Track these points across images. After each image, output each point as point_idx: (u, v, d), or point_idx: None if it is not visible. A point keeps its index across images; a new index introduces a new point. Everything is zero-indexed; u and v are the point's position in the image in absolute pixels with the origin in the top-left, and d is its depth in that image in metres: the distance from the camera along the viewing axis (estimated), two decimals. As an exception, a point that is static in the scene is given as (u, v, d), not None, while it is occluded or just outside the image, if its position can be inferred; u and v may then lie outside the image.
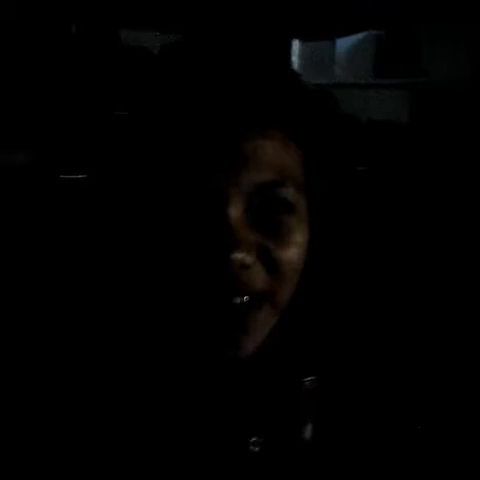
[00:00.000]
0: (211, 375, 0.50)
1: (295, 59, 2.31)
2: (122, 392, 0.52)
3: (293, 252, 0.47)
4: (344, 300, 0.58)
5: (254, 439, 0.52)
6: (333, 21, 2.23)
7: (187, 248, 0.46)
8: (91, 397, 0.52)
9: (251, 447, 0.52)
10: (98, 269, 0.57)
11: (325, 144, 0.52)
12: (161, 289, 0.51)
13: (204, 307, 0.46)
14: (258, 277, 0.45)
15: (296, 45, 2.34)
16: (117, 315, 0.54)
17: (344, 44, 2.33)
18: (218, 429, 0.51)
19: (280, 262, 0.46)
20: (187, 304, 0.47)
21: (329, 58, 2.35)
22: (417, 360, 0.60)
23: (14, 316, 0.66)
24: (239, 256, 0.43)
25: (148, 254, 0.53)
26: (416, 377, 0.59)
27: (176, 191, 0.45)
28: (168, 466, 0.51)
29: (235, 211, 0.45)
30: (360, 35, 2.25)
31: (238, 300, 0.44)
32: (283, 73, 0.50)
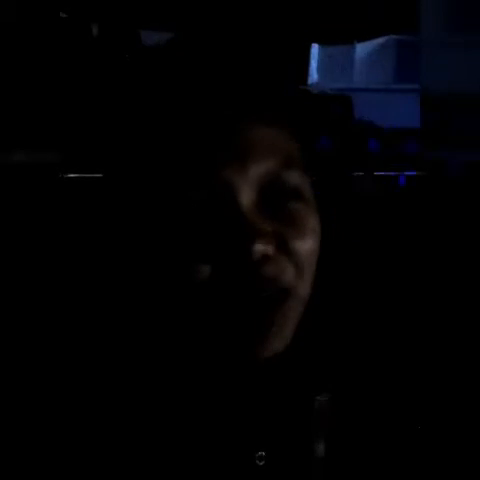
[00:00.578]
0: (226, 381, 0.50)
1: (314, 63, 2.30)
2: (129, 397, 0.52)
3: (310, 240, 0.46)
4: (356, 305, 0.57)
5: (260, 453, 0.51)
6: (353, 25, 2.23)
7: (204, 246, 0.45)
8: (96, 400, 0.52)
9: (257, 461, 0.51)
10: (111, 271, 0.56)
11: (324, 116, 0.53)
12: (182, 292, 0.50)
13: (230, 306, 0.45)
14: (282, 269, 0.44)
15: (315, 49, 2.33)
16: (132, 316, 0.54)
17: (364, 49, 2.32)
18: (224, 440, 0.50)
19: (299, 252, 0.45)
20: (211, 304, 0.46)
21: (348, 62, 2.34)
22: (436, 380, 0.59)
23: (12, 317, 0.66)
24: (260, 246, 0.42)
25: (165, 256, 0.52)
26: (434, 398, 0.58)
27: (184, 189, 0.45)
28: (172, 476, 0.51)
29: (247, 200, 0.44)
30: (380, 40, 2.24)
31: (265, 294, 0.43)
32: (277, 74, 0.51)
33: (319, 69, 2.30)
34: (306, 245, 0.47)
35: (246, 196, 0.45)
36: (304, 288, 0.47)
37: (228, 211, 0.45)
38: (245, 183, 0.45)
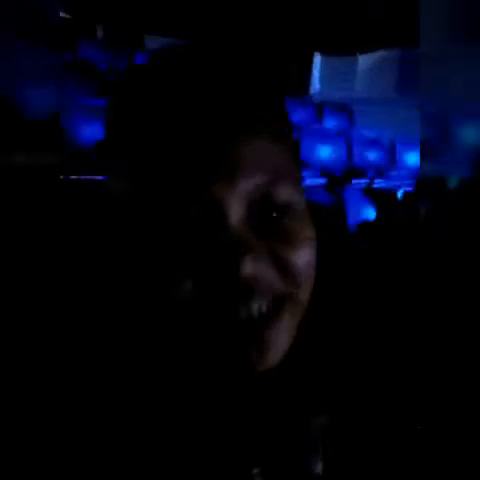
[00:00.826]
0: (222, 396, 0.50)
1: (316, 73, 2.31)
2: (121, 415, 0.52)
3: (304, 253, 0.45)
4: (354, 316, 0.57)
5: (256, 470, 0.51)
6: (355, 37, 2.24)
7: (194, 262, 0.45)
8: (87, 409, 0.52)
9: (253, 478, 0.51)
10: (100, 279, 0.57)
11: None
12: (171, 306, 0.50)
13: (221, 320, 0.44)
14: (273, 280, 0.44)
15: (318, 59, 2.35)
16: (122, 329, 0.54)
17: (366, 60, 2.33)
18: (220, 455, 0.51)
19: (294, 264, 0.45)
20: (202, 319, 0.46)
21: (351, 73, 2.35)
22: (434, 401, 0.58)
23: (9, 318, 0.66)
24: (249, 259, 0.42)
25: (155, 270, 0.52)
26: (432, 417, 0.58)
27: (174, 203, 0.45)
28: None
29: (236, 216, 0.43)
30: (383, 52, 2.25)
31: (255, 307, 0.43)
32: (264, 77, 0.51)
33: (321, 79, 2.31)
34: (301, 257, 0.46)
35: (235, 212, 0.44)
36: (302, 297, 0.46)
37: (217, 227, 0.44)
38: (234, 199, 0.44)
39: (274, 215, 0.43)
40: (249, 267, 0.41)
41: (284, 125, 0.51)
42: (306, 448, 0.52)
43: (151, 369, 0.53)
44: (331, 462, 0.52)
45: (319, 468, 0.52)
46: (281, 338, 0.45)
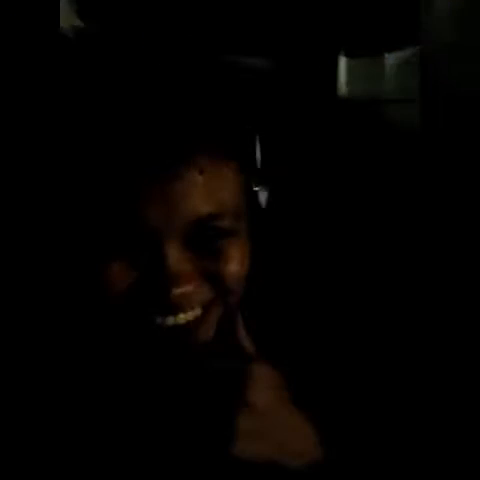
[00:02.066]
0: (181, 377, 0.51)
1: (342, 75, 2.29)
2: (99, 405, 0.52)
3: (234, 269, 0.50)
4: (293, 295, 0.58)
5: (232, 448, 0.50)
6: (382, 36, 2.20)
7: (127, 282, 0.46)
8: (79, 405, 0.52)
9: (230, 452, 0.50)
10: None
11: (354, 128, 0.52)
12: (104, 316, 0.52)
13: (146, 325, 0.47)
14: (203, 293, 0.49)
15: (343, 62, 2.32)
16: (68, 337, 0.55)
17: (393, 59, 2.29)
18: (197, 433, 0.50)
19: (222, 277, 0.49)
20: (132, 324, 0.48)
21: (378, 74, 2.31)
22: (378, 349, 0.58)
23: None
24: (178, 291, 0.46)
25: (87, 284, 0.53)
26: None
27: (109, 229, 0.45)
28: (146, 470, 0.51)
29: (172, 250, 0.46)
30: (410, 50, 2.21)
31: (182, 317, 0.46)
32: (212, 98, 0.48)
33: (347, 82, 2.28)
34: (229, 270, 0.49)
35: (171, 244, 0.46)
36: (231, 300, 0.51)
37: (152, 257, 0.45)
38: (172, 231, 0.45)
39: (211, 239, 0.45)
40: (179, 294, 0.45)
41: (238, 142, 0.49)
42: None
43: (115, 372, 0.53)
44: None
45: None
46: (206, 331, 0.50)
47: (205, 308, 0.50)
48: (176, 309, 0.47)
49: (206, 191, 0.45)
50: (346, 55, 2.37)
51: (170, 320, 0.48)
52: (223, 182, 0.47)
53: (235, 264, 0.49)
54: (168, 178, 0.44)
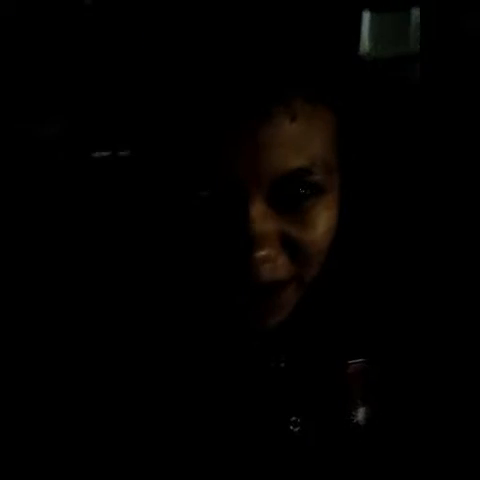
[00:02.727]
0: (246, 352, 0.49)
1: (366, 31, 2.22)
2: (151, 367, 0.51)
3: (319, 236, 0.44)
4: (379, 277, 0.54)
5: (294, 419, 0.50)
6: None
7: (209, 243, 0.43)
8: (119, 367, 0.51)
9: (291, 427, 0.50)
10: (116, 259, 0.55)
11: (365, 104, 0.47)
12: (185, 279, 0.49)
13: (228, 294, 0.45)
14: (282, 266, 0.44)
15: (367, 17, 2.24)
16: (143, 300, 0.53)
17: (418, 14, 2.21)
18: (257, 408, 0.50)
19: (305, 246, 0.44)
20: (212, 292, 0.46)
21: (403, 29, 2.24)
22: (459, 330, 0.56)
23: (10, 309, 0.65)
24: (262, 253, 0.41)
25: (171, 248, 0.51)
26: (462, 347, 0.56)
27: (193, 185, 0.42)
28: (204, 445, 0.50)
29: (257, 205, 0.40)
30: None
31: (261, 289, 0.43)
32: (309, 35, 0.43)
33: (371, 37, 2.21)
34: (312, 239, 0.44)
35: (256, 201, 0.41)
36: (307, 276, 0.45)
37: (236, 214, 0.42)
38: (257, 187, 0.41)
39: (300, 197, 0.42)
40: (261, 258, 0.41)
41: (334, 85, 0.44)
42: (346, 396, 0.50)
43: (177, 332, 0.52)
44: (373, 409, 0.50)
45: (360, 416, 0.50)
46: (284, 306, 0.46)
47: (282, 285, 0.46)
48: (256, 276, 0.44)
49: (298, 141, 0.40)
50: (371, 10, 2.29)
51: (249, 290, 0.45)
52: (316, 131, 0.42)
53: (321, 227, 0.44)
54: (256, 124, 0.39)
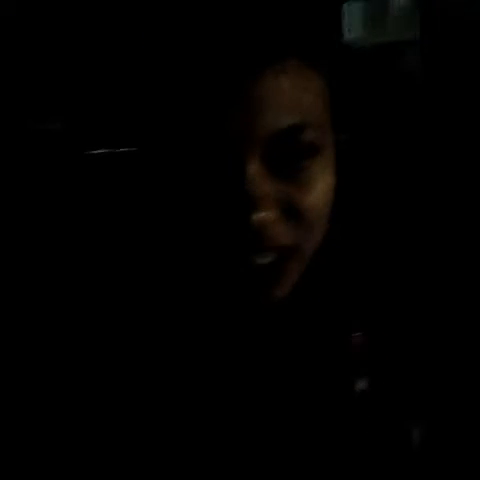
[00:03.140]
0: (248, 324, 0.49)
1: (346, 18, 2.22)
2: (159, 343, 0.51)
3: (317, 198, 0.44)
4: (382, 249, 0.55)
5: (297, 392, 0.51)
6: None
7: (206, 206, 0.43)
8: (122, 360, 0.52)
9: (296, 400, 0.51)
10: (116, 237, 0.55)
11: (352, 66, 0.47)
12: (185, 248, 0.49)
13: (231, 264, 0.44)
14: (282, 231, 0.44)
15: (346, 4, 2.25)
16: (144, 276, 0.53)
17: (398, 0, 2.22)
18: (259, 381, 0.50)
19: (304, 210, 0.44)
20: (214, 262, 0.45)
21: (382, 15, 2.25)
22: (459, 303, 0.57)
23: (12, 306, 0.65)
24: (261, 215, 0.41)
25: (168, 215, 0.51)
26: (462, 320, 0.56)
27: (187, 145, 0.41)
28: (207, 422, 0.51)
29: (252, 165, 0.41)
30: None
31: (264, 259, 0.43)
32: None
33: (353, 26, 2.22)
34: (311, 203, 0.44)
35: (252, 159, 0.41)
36: (309, 244, 0.46)
37: (232, 173, 0.42)
38: (252, 144, 0.41)
39: (295, 158, 0.41)
40: (260, 220, 0.41)
41: (324, 48, 0.44)
42: (349, 367, 0.51)
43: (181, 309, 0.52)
44: (376, 378, 0.50)
45: (364, 385, 0.50)
46: (284, 279, 0.45)
47: (283, 255, 0.45)
48: (260, 239, 0.42)
49: (290, 97, 0.40)
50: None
51: (251, 259, 0.44)
52: (307, 89, 0.42)
53: (318, 189, 0.44)
54: (249, 83, 0.39)
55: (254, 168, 0.41)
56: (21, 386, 0.56)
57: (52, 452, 0.53)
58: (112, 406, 0.51)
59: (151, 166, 0.50)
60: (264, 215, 0.41)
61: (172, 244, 0.51)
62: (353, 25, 2.15)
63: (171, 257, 0.52)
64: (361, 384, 0.53)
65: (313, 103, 0.42)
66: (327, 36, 0.44)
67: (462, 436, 0.56)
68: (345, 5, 2.31)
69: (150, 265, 0.53)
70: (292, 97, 0.40)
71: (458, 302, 0.57)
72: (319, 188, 0.44)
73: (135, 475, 0.52)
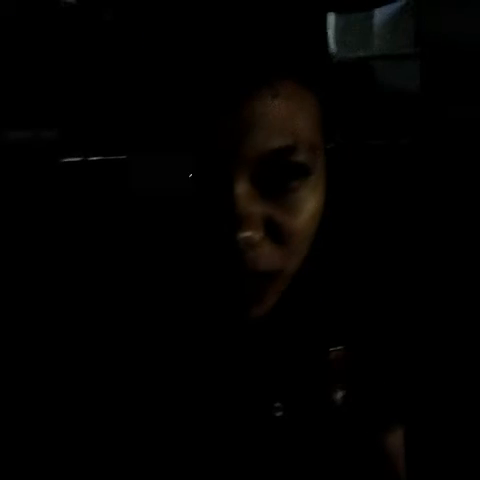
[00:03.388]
0: (233, 339, 0.50)
1: (331, 33, 2.25)
2: (144, 360, 0.52)
3: (304, 221, 0.43)
4: (364, 267, 0.56)
5: (277, 404, 0.52)
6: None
7: (193, 222, 0.43)
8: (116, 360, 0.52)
9: (273, 412, 0.52)
10: (110, 249, 0.56)
11: (345, 86, 0.48)
12: (173, 266, 0.50)
13: (214, 282, 0.45)
14: (267, 253, 0.43)
15: (332, 18, 2.28)
16: (135, 290, 0.54)
17: (383, 14, 2.25)
18: (240, 394, 0.51)
19: (290, 233, 0.43)
20: (199, 279, 0.46)
21: (367, 29, 2.28)
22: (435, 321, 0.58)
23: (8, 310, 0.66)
24: (246, 234, 0.41)
25: (157, 232, 0.52)
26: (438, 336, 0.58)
27: (178, 159, 0.42)
28: (190, 431, 0.51)
29: (241, 184, 0.41)
30: (399, 3, 2.17)
31: (247, 279, 0.43)
32: (292, 14, 0.43)
33: (337, 39, 2.24)
34: (297, 225, 0.44)
35: (241, 180, 0.41)
36: (292, 266, 0.46)
37: (220, 193, 0.41)
38: (242, 165, 0.40)
39: (285, 178, 0.41)
40: (245, 240, 0.41)
41: (316, 68, 0.45)
42: (326, 381, 0.52)
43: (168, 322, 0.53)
44: (351, 391, 0.52)
45: (339, 397, 0.52)
46: (269, 296, 0.45)
47: (268, 277, 0.45)
48: (244, 260, 0.42)
49: (281, 119, 0.40)
50: (335, 11, 2.33)
51: (236, 279, 0.44)
52: (299, 110, 0.41)
53: (306, 212, 0.43)
54: (242, 104, 0.39)
55: (242, 187, 0.41)
56: (21, 386, 0.57)
57: (52, 451, 0.54)
58: (104, 410, 0.52)
59: (142, 178, 0.51)
60: (249, 235, 0.41)
61: (159, 258, 0.52)
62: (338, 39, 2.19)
63: (158, 271, 0.52)
64: (339, 395, 0.54)
65: (306, 124, 0.42)
66: (320, 56, 0.45)
67: (439, 443, 0.58)
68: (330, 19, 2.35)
69: (138, 277, 0.54)
70: (285, 118, 0.40)
71: (437, 320, 0.59)
72: (307, 210, 0.43)
73: (133, 475, 0.52)
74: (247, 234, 0.41)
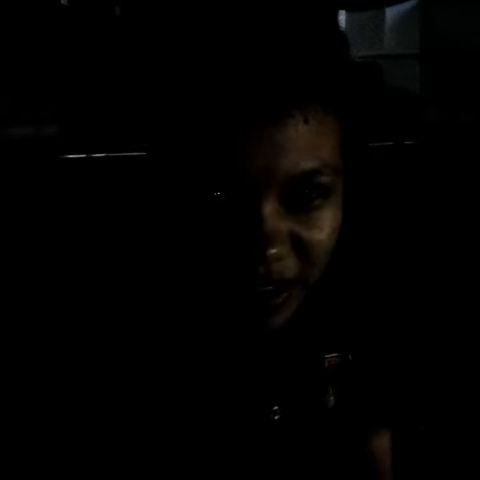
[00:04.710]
0: (240, 346, 0.51)
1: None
2: (155, 363, 0.53)
3: (325, 235, 0.46)
4: (372, 280, 0.56)
5: (275, 408, 0.53)
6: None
7: (222, 240, 0.44)
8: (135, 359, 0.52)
9: (271, 415, 0.53)
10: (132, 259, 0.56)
11: (367, 114, 0.48)
12: (196, 276, 0.50)
13: (237, 292, 0.46)
14: (290, 266, 0.45)
15: (342, 16, 2.27)
16: (156, 299, 0.54)
17: (393, 13, 2.24)
18: (240, 397, 0.52)
19: (311, 246, 0.45)
20: (221, 289, 0.47)
21: (377, 29, 2.26)
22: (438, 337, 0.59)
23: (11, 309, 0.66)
24: (274, 251, 0.43)
25: (182, 246, 0.51)
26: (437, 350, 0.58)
27: (208, 183, 0.42)
28: (189, 433, 0.52)
29: (269, 204, 0.43)
30: (409, 3, 2.16)
31: (270, 288, 0.45)
32: (324, 42, 0.44)
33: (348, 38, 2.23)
34: (319, 239, 0.46)
35: (269, 199, 0.43)
36: (312, 276, 0.48)
37: (249, 212, 0.43)
38: (271, 186, 0.42)
39: (308, 197, 0.43)
40: (273, 256, 0.43)
41: (342, 97, 0.46)
42: (320, 386, 0.53)
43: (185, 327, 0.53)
44: (341, 397, 0.53)
45: (331, 402, 0.53)
46: (285, 308, 0.48)
47: (289, 285, 0.47)
48: (269, 272, 0.44)
49: (310, 143, 0.42)
50: (345, 10, 2.31)
51: (258, 290, 0.45)
52: (325, 135, 0.43)
53: (327, 227, 0.46)
54: (271, 127, 0.40)
55: (271, 206, 0.42)
56: (21, 386, 0.57)
57: (52, 451, 0.54)
58: (104, 410, 0.53)
59: (169, 195, 0.52)
60: (277, 251, 0.43)
61: (182, 268, 0.53)
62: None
63: (179, 280, 0.53)
64: (331, 400, 0.55)
65: (331, 148, 0.44)
66: (346, 85, 0.46)
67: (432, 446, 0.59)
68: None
69: (158, 286, 0.54)
70: (312, 143, 0.42)
71: (424, 336, 0.59)
72: (328, 226, 0.46)
73: (133, 475, 0.53)
74: (275, 250, 0.43)
